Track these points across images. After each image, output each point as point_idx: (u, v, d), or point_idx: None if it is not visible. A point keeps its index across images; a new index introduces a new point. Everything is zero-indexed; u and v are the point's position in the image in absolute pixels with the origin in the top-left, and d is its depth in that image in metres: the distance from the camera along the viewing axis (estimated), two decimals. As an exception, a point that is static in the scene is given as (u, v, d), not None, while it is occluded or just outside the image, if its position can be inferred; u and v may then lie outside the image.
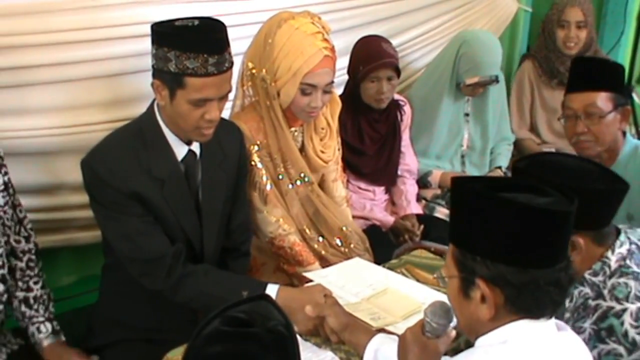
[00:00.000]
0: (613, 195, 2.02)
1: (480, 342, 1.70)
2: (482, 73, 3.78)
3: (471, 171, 4.05)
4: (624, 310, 1.97)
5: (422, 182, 3.93)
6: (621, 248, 2.08)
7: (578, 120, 2.80)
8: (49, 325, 2.55)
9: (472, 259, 1.64)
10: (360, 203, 3.59)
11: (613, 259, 2.06)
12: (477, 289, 1.64)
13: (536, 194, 1.63)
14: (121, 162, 2.35)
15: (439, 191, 3.92)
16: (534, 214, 1.57)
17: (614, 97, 2.78)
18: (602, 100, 2.77)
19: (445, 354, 1.96)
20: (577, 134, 2.81)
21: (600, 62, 3.18)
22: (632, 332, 1.95)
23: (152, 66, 2.31)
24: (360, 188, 3.64)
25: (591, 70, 2.86)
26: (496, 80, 3.83)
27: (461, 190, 1.69)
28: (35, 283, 2.56)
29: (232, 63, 2.34)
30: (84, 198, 2.48)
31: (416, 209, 3.71)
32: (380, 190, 3.71)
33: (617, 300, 2.00)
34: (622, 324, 1.96)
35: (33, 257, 2.56)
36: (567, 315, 2.02)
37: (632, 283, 2.01)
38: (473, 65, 3.76)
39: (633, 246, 2.10)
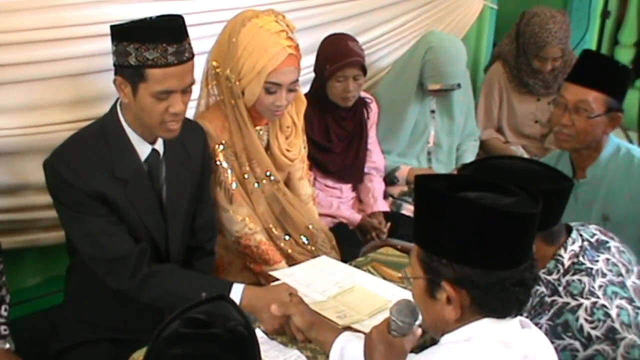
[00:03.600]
0: (559, 194, 2.02)
1: (445, 339, 1.70)
2: (444, 81, 3.82)
3: (438, 168, 4.07)
4: (579, 305, 2.00)
5: (390, 178, 3.95)
6: (573, 245, 2.11)
7: (566, 112, 2.71)
8: None
9: (438, 261, 1.63)
10: (327, 201, 3.60)
11: (566, 257, 2.09)
12: (442, 291, 1.64)
13: (502, 193, 1.63)
14: (84, 162, 2.33)
15: (406, 188, 3.94)
16: (499, 216, 1.57)
17: (608, 101, 2.68)
18: (596, 100, 2.66)
19: (411, 352, 1.96)
20: (561, 124, 2.73)
21: (608, 62, 2.95)
22: (587, 327, 1.98)
23: (114, 64, 2.30)
24: (327, 186, 3.64)
25: (595, 66, 2.74)
26: (458, 87, 3.86)
27: (425, 190, 1.68)
28: None
29: (192, 54, 2.33)
30: (48, 199, 2.45)
31: (383, 206, 3.72)
32: (347, 188, 3.72)
33: (572, 296, 2.02)
34: (577, 319, 1.99)
35: None
36: (525, 314, 2.03)
37: (585, 279, 2.04)
38: (436, 74, 3.81)
39: (585, 243, 2.13)
